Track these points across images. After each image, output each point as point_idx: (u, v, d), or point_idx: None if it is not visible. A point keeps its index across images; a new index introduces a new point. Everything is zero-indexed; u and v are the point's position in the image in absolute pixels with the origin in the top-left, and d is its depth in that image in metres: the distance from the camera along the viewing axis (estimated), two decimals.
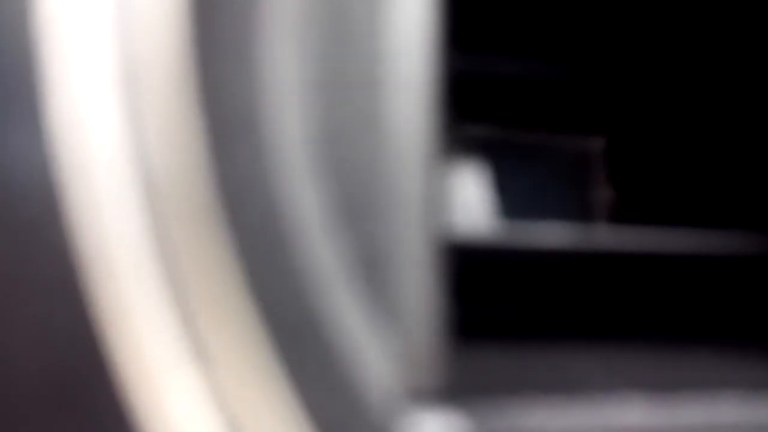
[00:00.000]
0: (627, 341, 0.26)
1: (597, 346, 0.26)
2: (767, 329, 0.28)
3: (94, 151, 0.19)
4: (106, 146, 0.19)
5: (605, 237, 0.32)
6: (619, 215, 0.35)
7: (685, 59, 0.33)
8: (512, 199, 0.34)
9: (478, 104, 0.34)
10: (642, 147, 0.35)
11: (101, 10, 0.19)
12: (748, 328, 0.29)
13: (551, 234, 0.28)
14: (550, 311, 0.28)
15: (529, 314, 0.28)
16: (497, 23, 0.33)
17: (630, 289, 0.29)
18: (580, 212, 0.35)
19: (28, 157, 0.19)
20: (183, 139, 0.18)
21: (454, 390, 0.19)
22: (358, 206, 0.19)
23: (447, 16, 0.20)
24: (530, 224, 0.33)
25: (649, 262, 0.29)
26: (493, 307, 0.28)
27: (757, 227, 0.30)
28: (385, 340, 0.19)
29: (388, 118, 0.19)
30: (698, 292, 0.29)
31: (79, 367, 0.18)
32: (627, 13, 0.33)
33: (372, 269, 0.19)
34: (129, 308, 0.18)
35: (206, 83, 0.18)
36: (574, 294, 0.29)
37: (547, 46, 0.34)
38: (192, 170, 0.18)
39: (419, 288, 0.19)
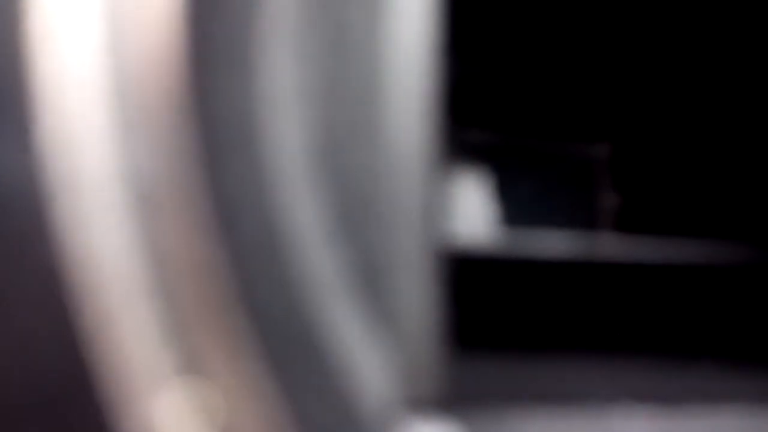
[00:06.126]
0: (628, 352, 0.26)
1: (598, 357, 0.26)
2: None
3: (84, 163, 0.18)
4: (97, 159, 0.18)
5: (609, 245, 0.32)
6: (624, 223, 0.35)
7: (690, 67, 0.33)
8: (515, 207, 0.34)
9: (481, 111, 0.34)
10: (647, 154, 0.35)
11: (94, 21, 0.19)
12: (751, 340, 0.28)
13: (554, 242, 0.28)
14: (552, 320, 0.28)
15: (530, 324, 0.28)
16: (500, 30, 0.33)
17: (633, 298, 0.29)
18: (584, 220, 0.35)
19: (17, 168, 0.19)
20: (177, 151, 0.18)
21: (452, 400, 0.19)
22: (356, 216, 0.19)
23: (448, 22, 0.20)
24: (533, 233, 0.33)
25: (652, 271, 0.29)
26: (494, 316, 0.28)
27: (763, 237, 0.30)
28: (383, 349, 0.19)
29: (387, 127, 0.19)
30: (702, 302, 0.29)
31: (65, 381, 0.18)
32: (632, 21, 0.33)
33: (371, 279, 0.19)
34: (117, 322, 0.18)
35: (202, 93, 0.18)
36: (576, 303, 0.28)
37: (551, 53, 0.34)
38: (186, 182, 0.18)
39: (418, 298, 0.19)
